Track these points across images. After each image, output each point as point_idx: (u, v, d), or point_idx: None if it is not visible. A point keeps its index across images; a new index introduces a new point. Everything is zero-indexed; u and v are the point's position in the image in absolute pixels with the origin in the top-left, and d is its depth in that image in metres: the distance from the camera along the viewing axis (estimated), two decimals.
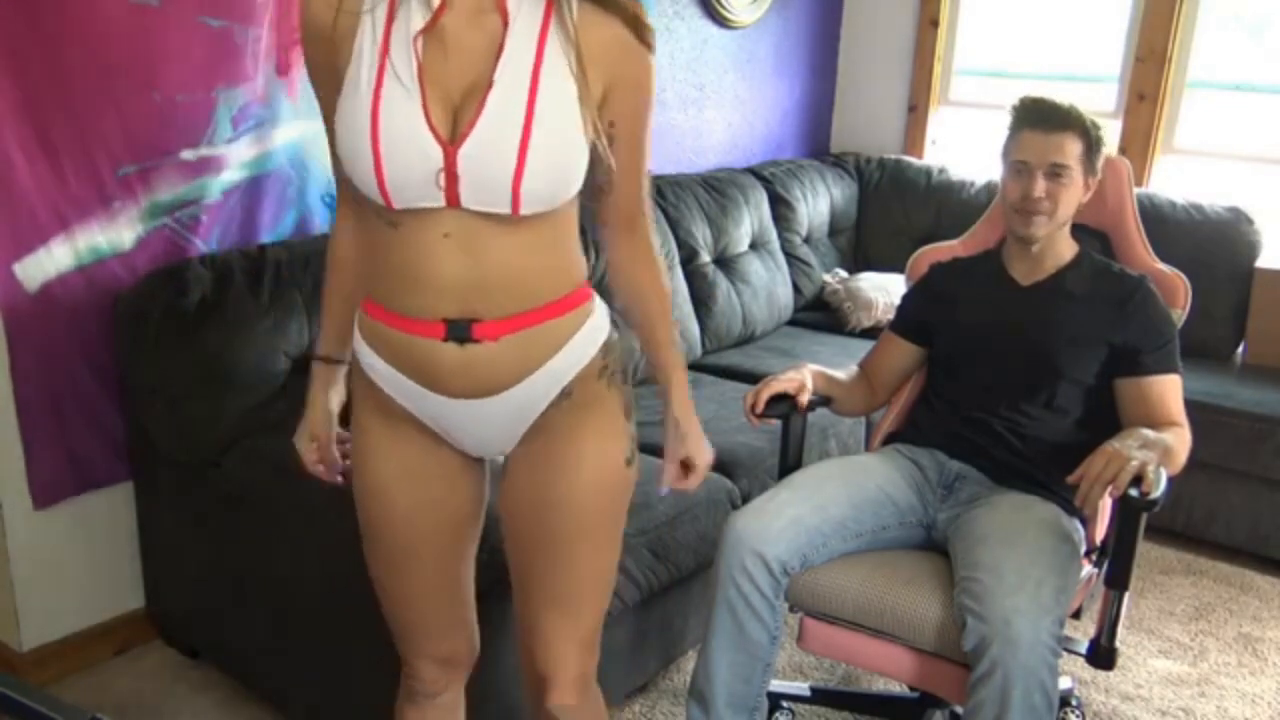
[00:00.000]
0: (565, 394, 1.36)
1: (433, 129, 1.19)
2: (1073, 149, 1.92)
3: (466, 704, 1.64)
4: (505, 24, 1.22)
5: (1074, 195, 1.95)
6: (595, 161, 1.29)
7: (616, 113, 1.29)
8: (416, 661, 1.53)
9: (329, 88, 1.28)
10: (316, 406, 1.53)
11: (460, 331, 1.28)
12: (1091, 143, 1.93)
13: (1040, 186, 1.92)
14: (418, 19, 1.21)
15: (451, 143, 1.20)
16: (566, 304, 1.33)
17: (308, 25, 1.28)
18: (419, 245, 1.25)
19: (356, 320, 1.39)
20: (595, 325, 1.38)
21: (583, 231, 1.38)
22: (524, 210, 1.23)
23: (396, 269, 1.28)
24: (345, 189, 1.38)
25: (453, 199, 1.22)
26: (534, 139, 1.20)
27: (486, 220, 1.24)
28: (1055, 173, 1.91)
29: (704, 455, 1.52)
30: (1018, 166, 1.95)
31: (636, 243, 1.43)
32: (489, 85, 1.20)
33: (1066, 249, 2.03)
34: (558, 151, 1.23)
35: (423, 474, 1.41)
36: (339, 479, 1.55)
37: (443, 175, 1.20)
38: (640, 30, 1.27)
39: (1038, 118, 1.93)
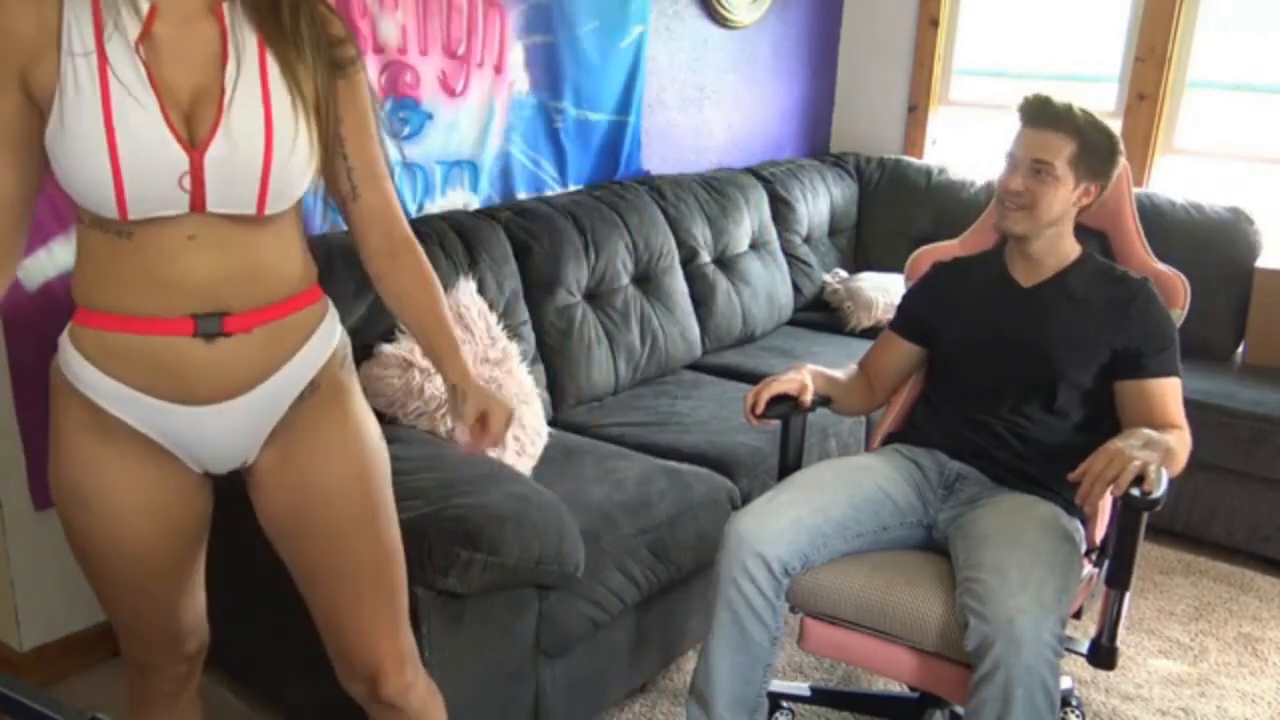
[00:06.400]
0: (313, 386, 1.38)
1: (175, 134, 1.18)
2: (1060, 148, 1.91)
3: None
4: (223, 31, 1.23)
5: (1058, 196, 1.92)
6: (337, 172, 1.37)
7: (341, 108, 1.33)
8: (164, 664, 1.52)
9: (7, 101, 1.19)
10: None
11: (211, 326, 1.27)
12: (1086, 145, 1.91)
13: (1018, 180, 1.93)
14: (131, 27, 1.18)
15: (194, 147, 1.19)
16: (307, 298, 1.37)
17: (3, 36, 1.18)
18: (160, 251, 1.24)
19: (69, 335, 1.31)
20: (333, 317, 1.42)
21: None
22: (268, 210, 1.26)
23: (134, 276, 1.25)
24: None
25: (198, 204, 1.22)
26: (276, 140, 1.23)
27: (230, 221, 1.25)
28: (1036, 169, 1.91)
29: (497, 405, 1.46)
30: (1008, 159, 1.97)
31: (396, 250, 1.44)
32: (221, 90, 1.21)
33: (1069, 250, 2.02)
34: (295, 151, 1.25)
35: (160, 491, 1.35)
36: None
37: (188, 180, 1.19)
38: (339, 47, 1.31)
39: (1030, 114, 1.95)
